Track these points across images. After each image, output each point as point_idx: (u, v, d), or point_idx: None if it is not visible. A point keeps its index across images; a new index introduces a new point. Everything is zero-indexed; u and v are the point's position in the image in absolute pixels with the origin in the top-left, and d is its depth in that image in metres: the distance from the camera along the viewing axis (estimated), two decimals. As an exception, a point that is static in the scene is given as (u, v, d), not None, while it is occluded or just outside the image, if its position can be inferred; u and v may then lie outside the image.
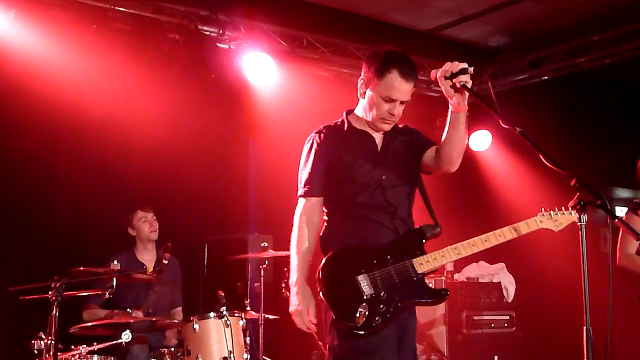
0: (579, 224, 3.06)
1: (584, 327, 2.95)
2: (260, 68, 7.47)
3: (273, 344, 6.95)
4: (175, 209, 7.22)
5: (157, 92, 7.03)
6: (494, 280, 7.85)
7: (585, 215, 3.05)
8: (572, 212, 3.43)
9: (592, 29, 8.12)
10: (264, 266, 6.51)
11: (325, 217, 3.88)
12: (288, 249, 6.41)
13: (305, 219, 3.83)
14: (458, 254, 3.64)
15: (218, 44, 7.45)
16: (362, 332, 3.49)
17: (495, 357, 7.55)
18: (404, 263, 3.62)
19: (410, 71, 3.72)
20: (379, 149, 3.88)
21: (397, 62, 3.71)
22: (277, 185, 7.67)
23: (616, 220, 3.04)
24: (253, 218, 7.90)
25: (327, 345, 3.70)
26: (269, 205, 7.89)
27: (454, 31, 8.40)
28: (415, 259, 3.62)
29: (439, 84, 3.59)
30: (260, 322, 6.39)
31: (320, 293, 3.61)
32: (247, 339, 5.97)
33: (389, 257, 3.63)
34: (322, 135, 3.92)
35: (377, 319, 3.50)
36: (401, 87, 3.69)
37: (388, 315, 3.52)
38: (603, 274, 3.15)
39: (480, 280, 7.81)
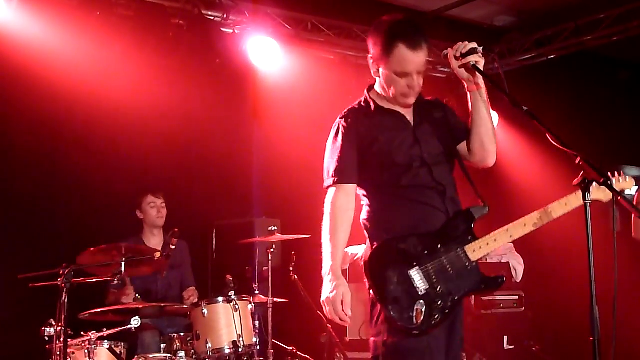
0: (583, 202, 3.05)
1: (590, 306, 2.95)
2: (265, 52, 7.46)
3: (282, 327, 6.98)
4: (182, 194, 7.24)
5: (162, 78, 7.04)
6: (502, 261, 7.84)
7: (590, 193, 3.04)
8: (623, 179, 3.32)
9: (598, 7, 8.05)
10: (272, 250, 6.52)
11: (367, 203, 3.61)
12: (295, 233, 6.50)
13: (339, 208, 3.51)
14: (511, 236, 3.46)
15: (222, 29, 7.43)
16: (422, 332, 3.28)
17: (505, 338, 7.57)
18: (456, 251, 3.41)
19: (419, 39, 3.45)
20: (412, 125, 3.62)
21: (402, 33, 3.45)
22: (284, 169, 7.73)
23: (620, 198, 3.02)
24: (258, 202, 7.91)
25: (373, 340, 3.45)
26: (277, 189, 7.92)
27: (460, 11, 8.35)
28: (467, 246, 3.42)
29: (450, 64, 3.52)
30: (268, 306, 6.41)
31: (371, 291, 3.39)
32: (256, 322, 6.01)
33: (439, 245, 3.41)
34: (349, 119, 3.63)
35: (436, 316, 3.31)
36: (413, 59, 3.45)
37: (446, 311, 3.33)
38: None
39: (488, 261, 7.80)
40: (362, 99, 3.74)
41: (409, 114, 3.65)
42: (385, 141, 3.54)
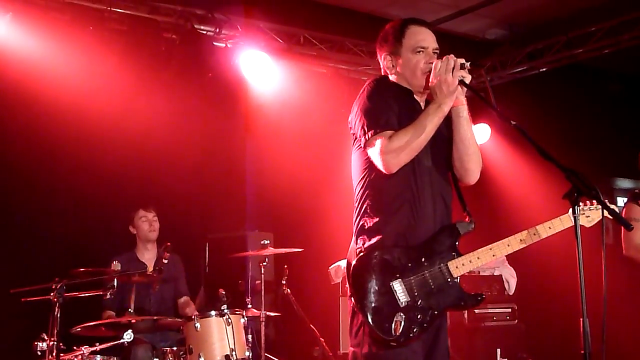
0: (573, 215, 3.06)
1: (581, 319, 2.97)
2: (258, 66, 7.50)
3: (275, 341, 7.00)
4: (175, 208, 7.25)
5: (155, 92, 7.07)
6: (495, 273, 7.86)
7: (579, 208, 3.06)
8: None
9: (589, 20, 8.10)
10: (265, 264, 6.53)
11: (368, 203, 3.52)
12: (288, 246, 6.52)
13: (396, 146, 3.38)
14: (493, 255, 3.48)
15: (215, 43, 7.48)
16: (399, 343, 3.31)
17: (498, 350, 7.57)
18: (439, 266, 3.43)
19: (424, 21, 3.67)
20: None
21: (409, 20, 3.66)
22: (277, 183, 7.76)
23: (607, 212, 3.04)
24: (251, 216, 7.95)
25: (352, 350, 3.47)
26: (270, 203, 7.96)
27: (451, 25, 8.40)
28: (450, 262, 3.45)
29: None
30: (261, 320, 6.41)
31: (352, 298, 3.41)
32: (249, 336, 6.00)
33: (423, 259, 3.43)
34: (386, 83, 3.65)
35: (414, 329, 3.34)
36: (426, 34, 3.61)
37: (425, 325, 3.36)
38: (608, 264, 3.17)
39: (481, 274, 7.83)
40: (389, 79, 3.73)
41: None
42: (400, 124, 3.49)
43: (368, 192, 3.55)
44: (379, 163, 3.43)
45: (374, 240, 3.47)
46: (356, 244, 3.54)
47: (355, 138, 3.62)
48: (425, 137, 3.41)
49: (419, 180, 3.51)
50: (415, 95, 3.65)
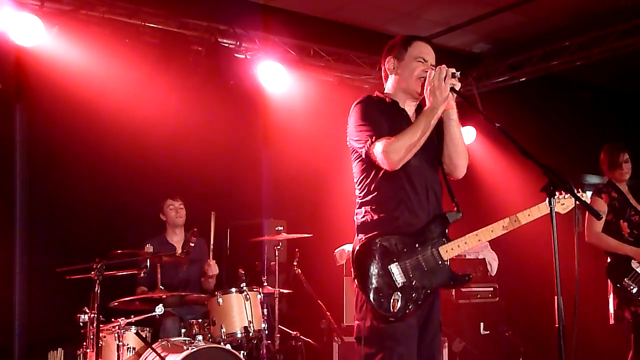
0: (549, 206, 3.05)
1: (555, 297, 2.96)
2: (273, 75, 7.48)
3: (287, 314, 6.99)
4: (201, 199, 7.23)
5: (184, 97, 7.06)
6: (479, 257, 7.84)
7: (554, 198, 3.04)
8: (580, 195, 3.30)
9: (564, 36, 8.07)
10: (278, 247, 6.54)
11: (369, 199, 3.52)
12: (299, 232, 6.51)
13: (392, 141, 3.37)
14: (479, 240, 3.48)
15: (236, 54, 7.44)
16: (397, 318, 3.33)
17: (481, 324, 7.57)
18: (431, 251, 3.43)
19: (430, 40, 3.68)
20: None
21: (417, 36, 3.69)
22: (289, 177, 7.77)
23: (578, 203, 3.03)
24: (267, 205, 7.95)
25: (357, 323, 3.49)
26: (284, 195, 7.96)
27: (443, 40, 8.36)
28: (441, 247, 3.44)
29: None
30: (275, 296, 6.42)
31: (356, 280, 3.42)
32: (265, 310, 6.00)
33: (417, 245, 3.43)
34: (371, 101, 3.61)
35: (410, 306, 3.35)
36: (428, 50, 3.63)
37: (419, 302, 3.38)
38: (579, 249, 3.15)
39: (467, 257, 7.81)
40: (374, 96, 3.70)
41: (413, 117, 3.63)
42: (391, 134, 3.45)
43: (368, 195, 3.55)
44: (383, 162, 3.41)
45: (374, 233, 3.47)
46: (358, 236, 3.54)
47: (354, 150, 3.61)
48: (423, 135, 3.40)
49: (411, 179, 3.50)
50: (401, 105, 3.63)
